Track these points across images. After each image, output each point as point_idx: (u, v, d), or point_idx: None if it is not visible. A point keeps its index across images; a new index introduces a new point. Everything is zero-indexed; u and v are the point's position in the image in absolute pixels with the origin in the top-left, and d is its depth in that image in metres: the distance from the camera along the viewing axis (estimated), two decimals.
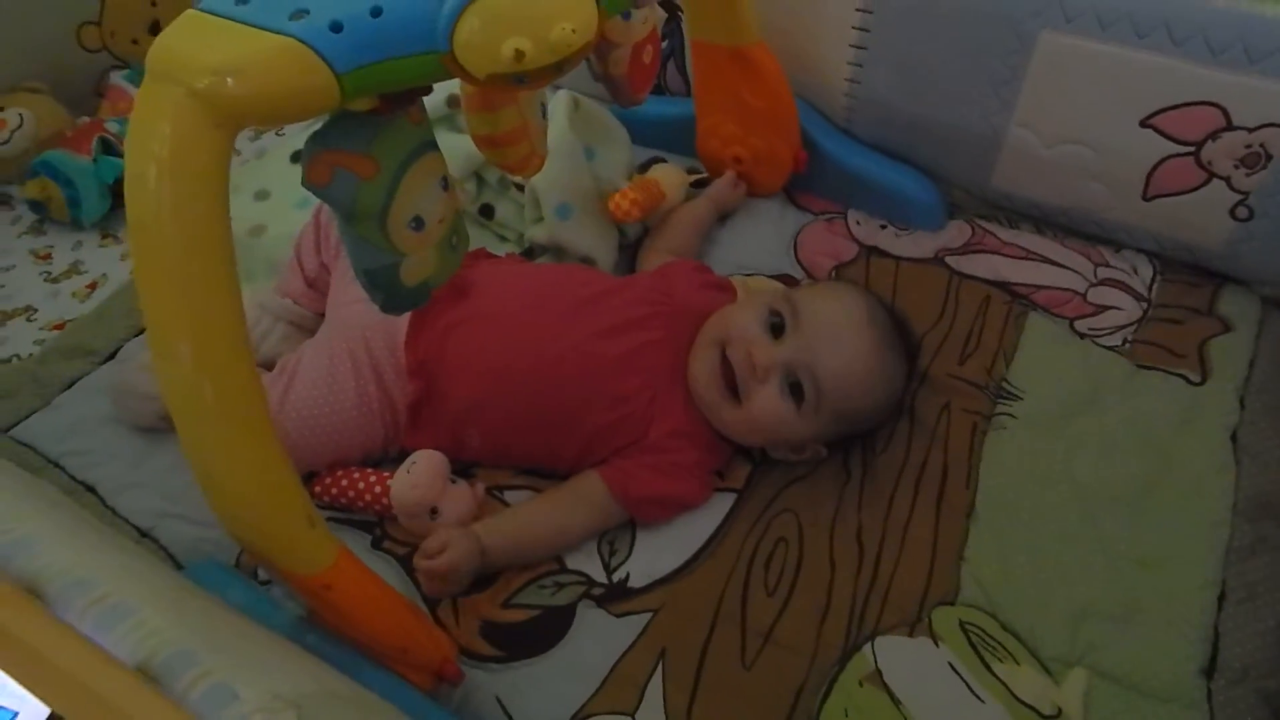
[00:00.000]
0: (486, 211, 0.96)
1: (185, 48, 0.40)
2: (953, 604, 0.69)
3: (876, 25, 0.89)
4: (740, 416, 0.73)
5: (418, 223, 0.53)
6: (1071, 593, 0.69)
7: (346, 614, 0.56)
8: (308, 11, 0.40)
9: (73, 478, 0.80)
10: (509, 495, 0.77)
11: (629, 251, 0.95)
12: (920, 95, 0.90)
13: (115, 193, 1.07)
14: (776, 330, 0.73)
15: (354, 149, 0.48)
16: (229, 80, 0.40)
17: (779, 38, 0.91)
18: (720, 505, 0.75)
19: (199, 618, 0.48)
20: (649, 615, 0.69)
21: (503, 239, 0.97)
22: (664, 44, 1.03)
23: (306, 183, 0.48)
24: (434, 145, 0.54)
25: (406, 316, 0.77)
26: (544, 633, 0.68)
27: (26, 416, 0.85)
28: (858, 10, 0.88)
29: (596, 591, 0.70)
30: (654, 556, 0.72)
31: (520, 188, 0.93)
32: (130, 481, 0.78)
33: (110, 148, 1.05)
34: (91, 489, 0.79)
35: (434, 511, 0.72)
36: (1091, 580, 0.70)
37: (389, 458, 0.78)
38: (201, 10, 0.41)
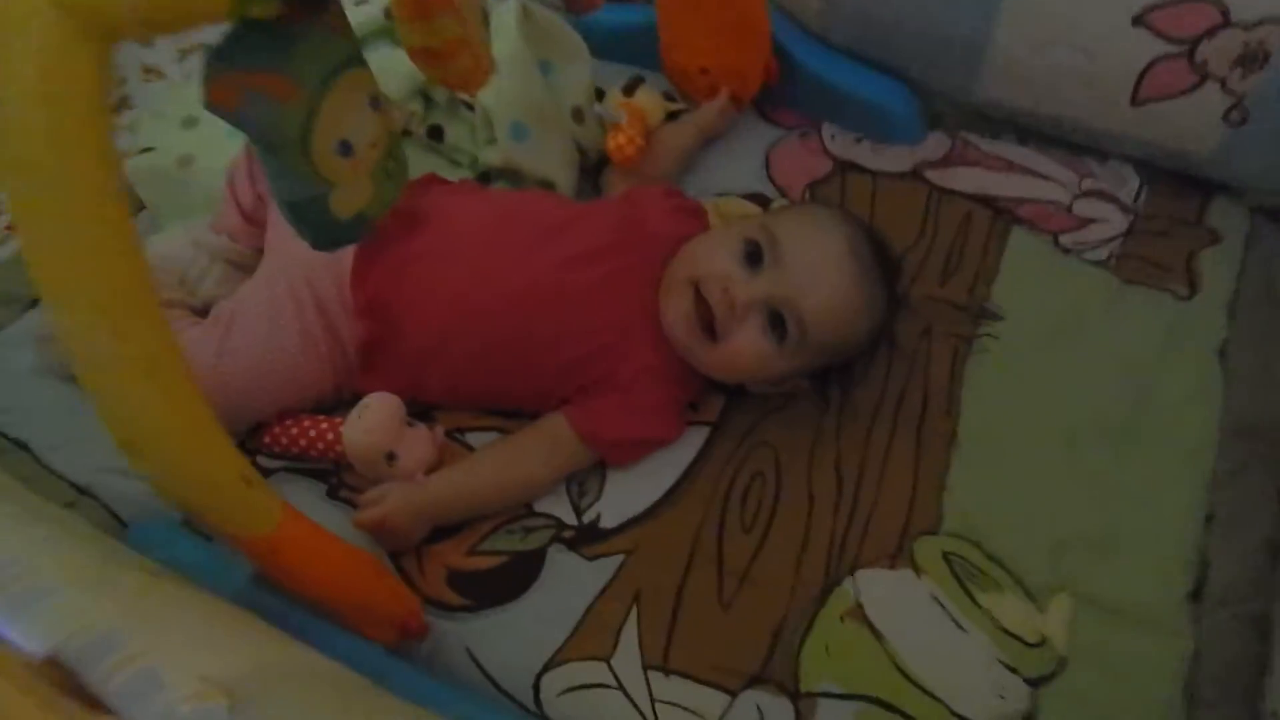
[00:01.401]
0: (435, 134, 0.89)
1: None
2: (935, 534, 0.67)
3: None
4: (719, 357, 0.68)
5: (345, 147, 0.48)
6: (1056, 520, 0.67)
7: (296, 575, 0.53)
8: None
9: (5, 435, 0.75)
10: (472, 438, 0.73)
11: (591, 174, 0.90)
12: (899, 1, 0.84)
13: None
14: (753, 261, 0.68)
15: (265, 67, 0.42)
16: None
17: None
18: (694, 440, 0.72)
19: (129, 596, 0.44)
20: (622, 558, 0.66)
21: (455, 164, 0.90)
22: None
23: (210, 106, 0.42)
24: (360, 59, 0.48)
25: (351, 251, 0.72)
26: (513, 579, 0.66)
27: None
28: None
29: (567, 534, 0.68)
30: (626, 496, 0.69)
31: (471, 107, 0.86)
32: (65, 437, 0.73)
33: None
34: (24, 446, 0.74)
35: (391, 457, 0.69)
36: (1075, 507, 0.68)
37: (343, 402, 0.74)
38: None
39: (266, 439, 0.72)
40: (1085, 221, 0.84)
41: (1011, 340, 0.76)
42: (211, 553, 0.63)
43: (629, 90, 0.88)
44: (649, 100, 0.88)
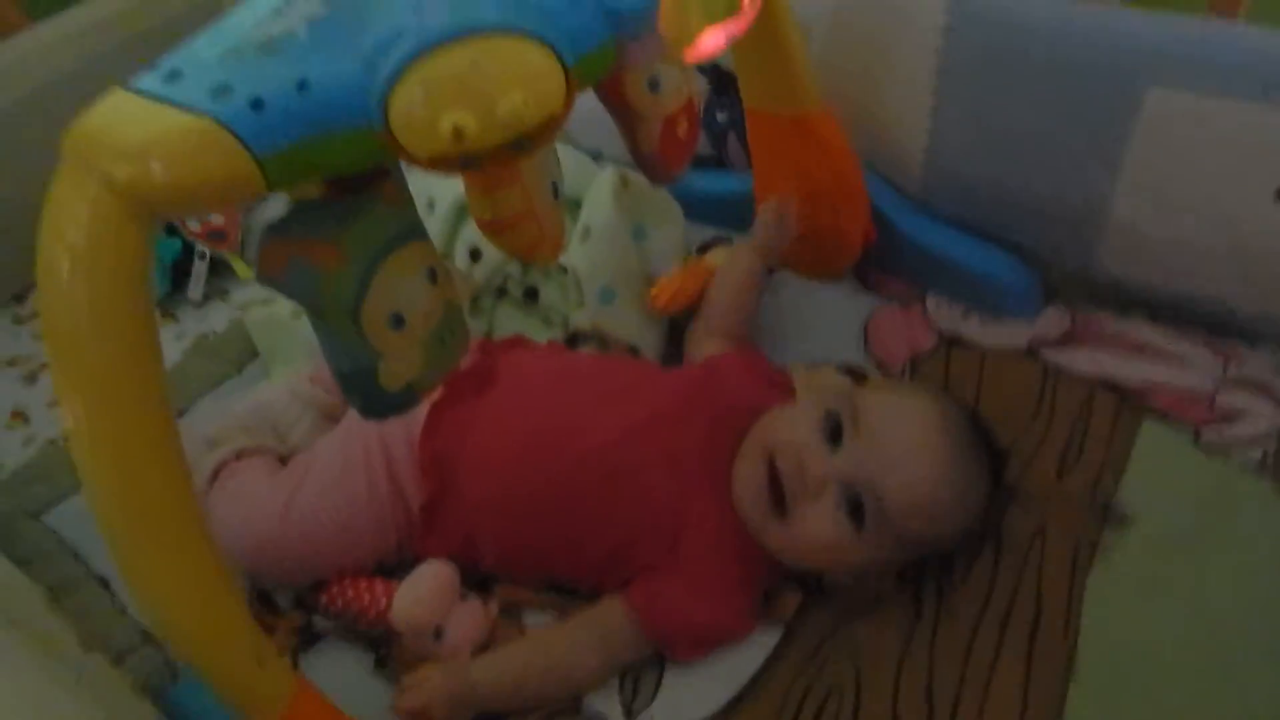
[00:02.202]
0: (532, 294, 0.90)
1: (100, 131, 0.35)
2: None
3: (953, 83, 0.79)
4: (788, 536, 0.62)
5: (398, 320, 0.47)
6: None
7: None
8: (231, 87, 0.34)
9: (89, 568, 0.77)
10: (528, 617, 0.68)
11: (681, 341, 0.88)
12: (1005, 163, 0.80)
13: (175, 272, 1.07)
14: (834, 436, 0.62)
15: (311, 236, 0.42)
16: (151, 166, 0.35)
17: (845, 104, 0.83)
18: (764, 641, 0.65)
19: None
20: None
21: (549, 324, 0.91)
22: (723, 115, 0.97)
23: (260, 276, 0.43)
24: (420, 232, 0.48)
25: (425, 408, 0.72)
26: None
27: (60, 501, 0.83)
28: (930, 70, 0.80)
29: None
30: (681, 700, 0.62)
31: (566, 270, 0.88)
32: None
33: (173, 229, 1.06)
34: (105, 583, 0.75)
35: (439, 632, 0.65)
36: None
37: (404, 564, 0.71)
38: (127, 89, 0.37)
39: (324, 598, 0.70)
40: (1232, 415, 0.74)
41: (1143, 548, 0.66)
42: None
43: (705, 248, 0.86)
44: (720, 255, 0.86)
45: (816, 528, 0.61)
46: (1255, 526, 0.66)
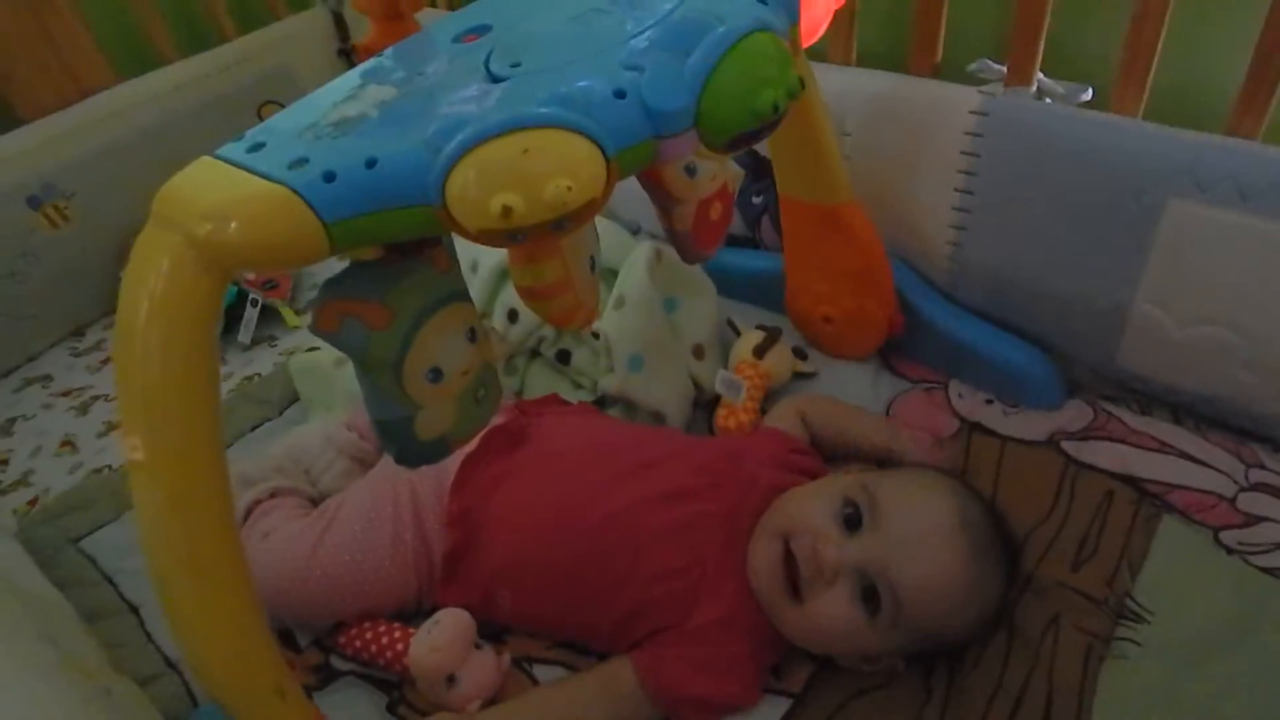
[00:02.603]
0: (563, 357, 0.93)
1: (187, 193, 0.39)
2: None
3: (981, 190, 0.82)
4: (802, 620, 0.63)
5: (436, 374, 0.50)
6: None
7: None
8: (307, 160, 0.38)
9: (121, 596, 0.79)
10: (539, 671, 0.70)
11: (706, 409, 0.90)
12: (1030, 263, 0.82)
13: (227, 317, 1.13)
14: (851, 523, 0.63)
15: (364, 296, 0.46)
16: (228, 227, 0.39)
17: (876, 195, 0.87)
18: (772, 711, 0.65)
19: None
20: None
21: (579, 386, 0.93)
22: (758, 199, 1.00)
23: (315, 328, 0.46)
24: (463, 295, 0.52)
25: (458, 461, 0.74)
26: None
27: (97, 529, 0.86)
28: (960, 173, 0.83)
29: None
30: None
31: (598, 336, 0.91)
32: None
33: None
34: (135, 610, 0.78)
35: (452, 680, 0.66)
36: None
37: (423, 612, 0.73)
38: (215, 156, 0.41)
39: (342, 640, 0.72)
40: (1253, 520, 0.73)
41: (1160, 647, 0.66)
42: None
43: (762, 350, 0.88)
44: (778, 363, 0.88)
45: (830, 614, 0.61)
46: (1274, 632, 0.65)
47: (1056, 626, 0.68)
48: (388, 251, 0.44)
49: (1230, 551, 0.71)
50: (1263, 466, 0.77)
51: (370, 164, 0.38)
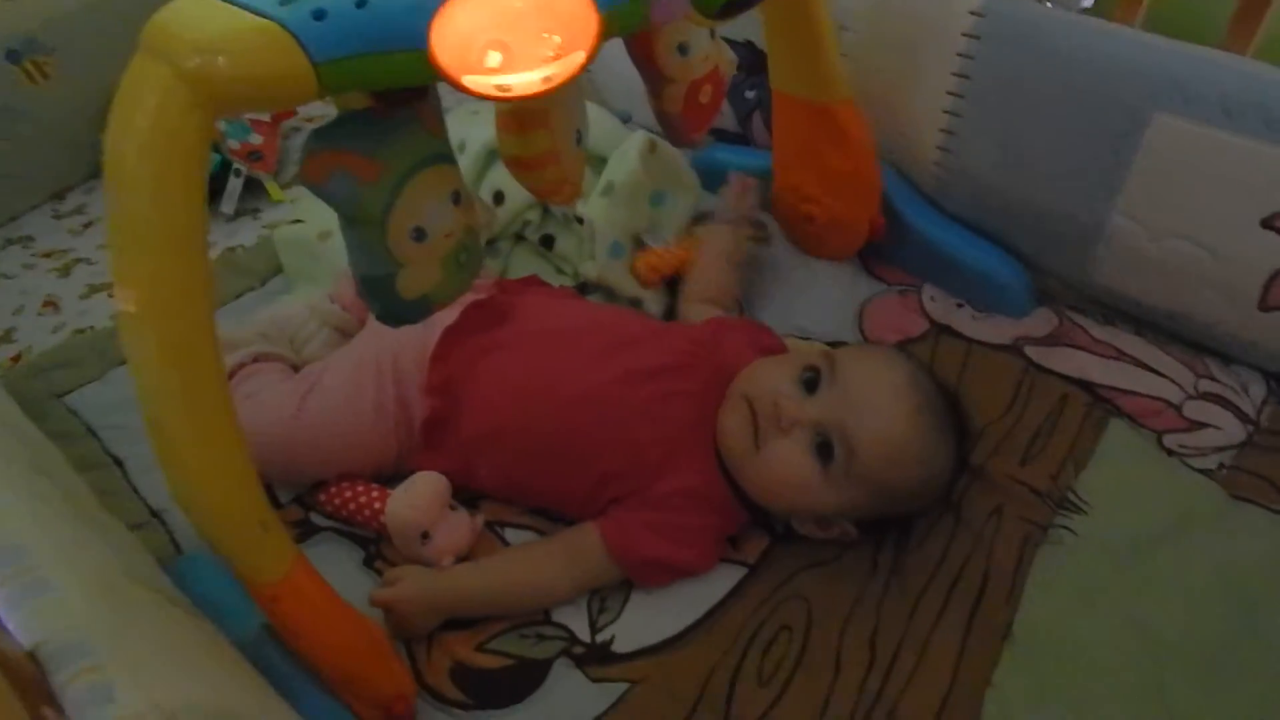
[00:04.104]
0: (547, 242, 0.94)
1: (177, 25, 0.39)
2: None
3: (973, 94, 0.83)
4: (760, 470, 0.67)
5: (419, 233, 0.51)
6: None
7: (292, 629, 0.54)
8: None
9: (105, 449, 0.82)
10: (510, 534, 0.73)
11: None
12: (1016, 173, 0.83)
13: (210, 187, 1.12)
14: (810, 386, 0.67)
15: (356, 149, 0.47)
16: (217, 60, 0.39)
17: (868, 98, 0.86)
18: (727, 577, 0.69)
19: (126, 610, 0.46)
20: (626, 686, 0.64)
21: (561, 272, 0.95)
22: (751, 93, 1.00)
23: (303, 179, 0.47)
24: (449, 157, 0.53)
25: (438, 332, 0.76)
26: (515, 685, 0.64)
27: (82, 385, 0.88)
28: (954, 75, 0.83)
29: (577, 650, 0.66)
30: (644, 622, 0.67)
31: (582, 222, 0.91)
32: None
33: (213, 144, 1.10)
34: (120, 463, 0.80)
35: (426, 536, 0.70)
36: None
37: (400, 476, 0.76)
38: None
39: (321, 497, 0.75)
40: (1196, 425, 0.77)
41: (1092, 538, 0.70)
42: (238, 596, 0.65)
43: (699, 219, 0.91)
44: (709, 233, 0.90)
45: (785, 462, 0.65)
46: (1202, 528, 0.70)
47: (1000, 515, 0.72)
48: (377, 101, 0.45)
49: (1171, 454, 0.75)
50: (1213, 378, 0.81)
51: (360, 3, 0.38)
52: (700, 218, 0.94)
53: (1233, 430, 0.77)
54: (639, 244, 0.88)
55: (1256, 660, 0.63)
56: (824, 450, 0.65)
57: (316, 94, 0.39)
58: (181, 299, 0.44)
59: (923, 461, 0.66)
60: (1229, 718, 0.60)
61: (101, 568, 0.48)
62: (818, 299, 0.91)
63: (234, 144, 1.10)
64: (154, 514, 0.76)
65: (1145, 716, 0.61)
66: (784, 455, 0.65)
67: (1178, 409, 0.79)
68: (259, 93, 0.40)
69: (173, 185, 0.41)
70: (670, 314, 0.89)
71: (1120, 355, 0.83)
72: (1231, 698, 0.61)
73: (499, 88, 0.39)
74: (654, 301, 0.88)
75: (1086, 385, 0.81)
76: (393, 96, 0.45)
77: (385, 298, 0.53)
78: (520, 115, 0.55)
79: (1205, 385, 0.80)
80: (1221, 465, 0.74)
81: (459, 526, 0.71)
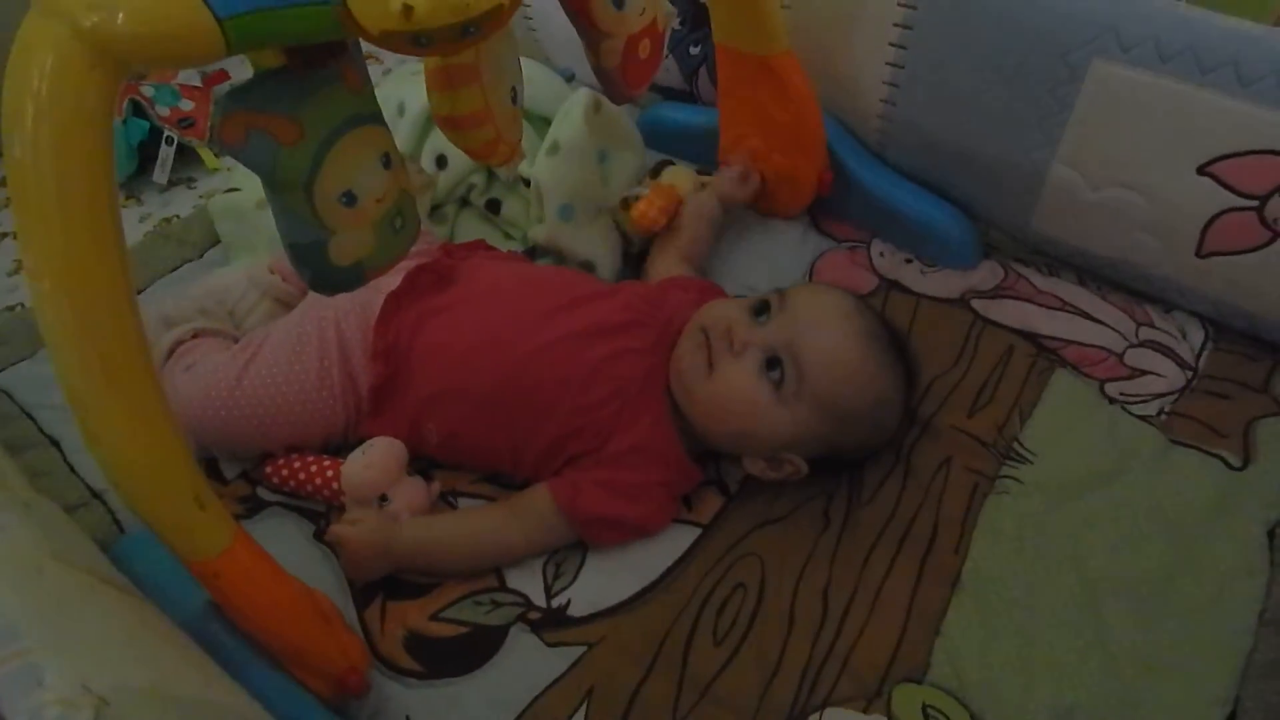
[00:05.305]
0: (493, 206, 0.92)
1: None
2: (919, 682, 0.62)
3: (914, 44, 0.82)
4: (712, 392, 0.67)
5: (349, 198, 0.50)
6: (1060, 689, 0.61)
7: (235, 605, 0.53)
8: None
9: (41, 430, 0.79)
10: (463, 502, 0.73)
11: (635, 260, 0.91)
12: (958, 123, 0.83)
13: (141, 156, 1.08)
14: (759, 314, 0.69)
15: (272, 110, 0.45)
16: (116, 17, 0.37)
17: (812, 51, 0.86)
18: (681, 538, 0.70)
19: (56, 593, 0.45)
20: (583, 649, 0.64)
21: (509, 236, 0.93)
22: (696, 49, 0.98)
23: (220, 142, 0.45)
24: (377, 118, 0.51)
25: (381, 298, 0.74)
26: (470, 653, 0.64)
27: (14, 364, 0.85)
28: (895, 26, 0.82)
29: (533, 615, 0.65)
30: (600, 585, 0.67)
31: (529, 184, 0.90)
32: None
33: (140, 110, 1.06)
34: (56, 443, 0.78)
35: (384, 499, 0.69)
36: (1086, 678, 0.61)
37: (348, 445, 0.75)
38: None
39: (268, 469, 0.73)
40: (1137, 372, 0.79)
41: (1037, 485, 0.71)
42: (181, 574, 0.63)
43: (656, 172, 0.90)
44: (677, 175, 0.90)
45: (737, 382, 0.66)
46: (1141, 472, 0.72)
47: (948, 467, 0.73)
48: (292, 59, 0.43)
49: (1112, 401, 0.77)
50: (1153, 325, 0.82)
51: None
52: (657, 170, 0.92)
53: (1172, 376, 0.78)
54: (624, 202, 0.87)
55: (1190, 593, 0.65)
56: (773, 366, 0.66)
57: (224, 51, 0.37)
58: (94, 269, 0.42)
59: (872, 382, 0.67)
60: (1165, 648, 0.62)
61: (29, 551, 0.47)
62: (768, 255, 0.91)
63: (163, 110, 1.06)
64: (95, 494, 0.74)
65: (1087, 650, 0.63)
66: (735, 376, 0.66)
67: (1119, 357, 0.80)
68: (162, 50, 0.38)
69: (75, 150, 0.39)
70: (622, 278, 0.88)
71: (1064, 305, 0.84)
72: (1167, 628, 0.63)
73: (415, 38, 0.37)
74: (606, 265, 0.86)
75: (1032, 336, 0.82)
76: (308, 54, 0.43)
77: (316, 265, 0.52)
78: (450, 72, 0.53)
79: (1146, 333, 0.82)
80: (1161, 411, 0.76)
81: (417, 490, 0.70)
